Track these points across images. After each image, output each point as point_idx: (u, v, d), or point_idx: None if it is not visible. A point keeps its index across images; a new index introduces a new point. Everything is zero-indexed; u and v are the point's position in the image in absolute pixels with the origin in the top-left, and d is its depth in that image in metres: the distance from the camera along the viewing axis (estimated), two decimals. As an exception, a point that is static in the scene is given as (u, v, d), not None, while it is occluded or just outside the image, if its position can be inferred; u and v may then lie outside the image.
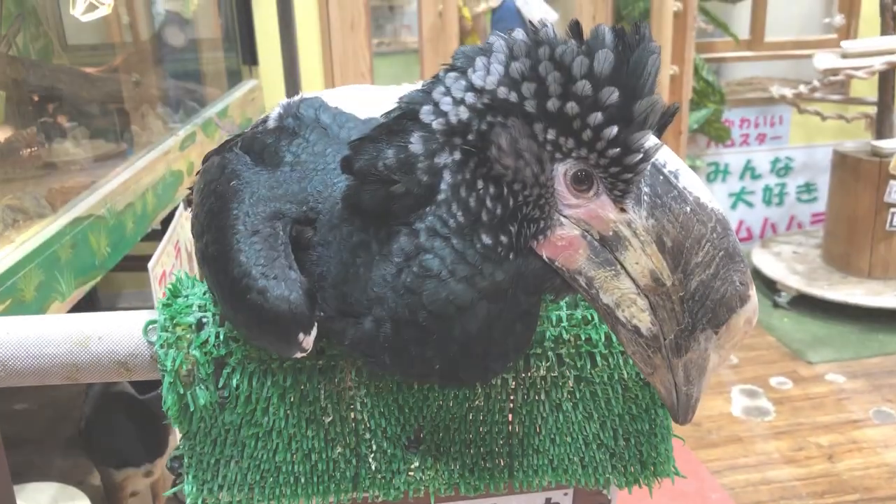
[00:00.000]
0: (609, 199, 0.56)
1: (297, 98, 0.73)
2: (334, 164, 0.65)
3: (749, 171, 4.46)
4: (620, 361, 0.72)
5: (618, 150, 0.53)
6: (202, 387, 0.68)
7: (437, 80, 0.58)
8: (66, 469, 2.31)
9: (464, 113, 0.55)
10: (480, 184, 0.56)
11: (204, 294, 0.70)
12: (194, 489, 0.73)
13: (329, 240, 0.62)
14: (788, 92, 3.81)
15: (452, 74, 0.57)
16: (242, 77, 3.34)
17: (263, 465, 0.72)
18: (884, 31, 3.62)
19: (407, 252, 0.57)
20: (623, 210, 0.56)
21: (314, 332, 0.61)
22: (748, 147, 4.44)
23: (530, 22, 0.56)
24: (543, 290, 0.61)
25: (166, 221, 1.90)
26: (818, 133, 4.44)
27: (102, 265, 1.68)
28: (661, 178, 0.56)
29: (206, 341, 0.67)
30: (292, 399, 0.70)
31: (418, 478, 0.75)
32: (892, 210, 3.58)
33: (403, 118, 0.57)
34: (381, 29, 4.84)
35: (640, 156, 0.54)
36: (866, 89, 4.00)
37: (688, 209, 0.55)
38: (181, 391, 0.68)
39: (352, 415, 0.72)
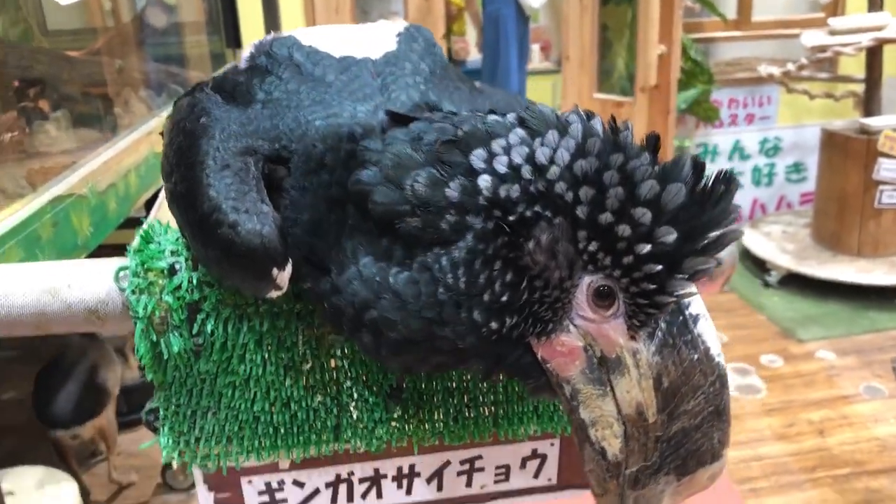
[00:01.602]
0: (624, 324, 0.53)
1: (269, 37, 0.70)
2: (308, 101, 0.63)
3: (738, 151, 4.46)
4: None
5: (653, 287, 0.51)
6: (175, 334, 0.66)
7: (501, 124, 0.53)
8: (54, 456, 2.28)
9: (515, 192, 0.51)
10: (499, 265, 0.52)
11: (176, 240, 0.68)
12: (170, 441, 0.71)
13: (304, 185, 0.59)
14: (776, 71, 3.80)
15: (519, 133, 0.52)
16: (226, 60, 3.31)
17: (241, 416, 0.70)
18: (871, 8, 3.61)
19: (389, 259, 0.54)
20: (633, 338, 0.54)
21: (289, 268, 0.59)
22: (737, 127, 4.44)
23: (612, 119, 0.52)
24: (520, 381, 0.59)
25: (150, 207, 1.88)
26: (807, 113, 4.44)
27: (85, 245, 1.66)
28: (681, 319, 0.54)
29: (179, 286, 0.65)
30: (269, 345, 0.68)
31: (401, 427, 0.73)
32: (881, 187, 3.58)
33: (454, 147, 0.53)
34: (366, 14, 4.80)
35: (673, 300, 0.51)
36: (854, 67, 4.00)
37: (695, 357, 0.54)
38: (154, 339, 0.66)
39: (332, 362, 0.70)
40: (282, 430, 0.71)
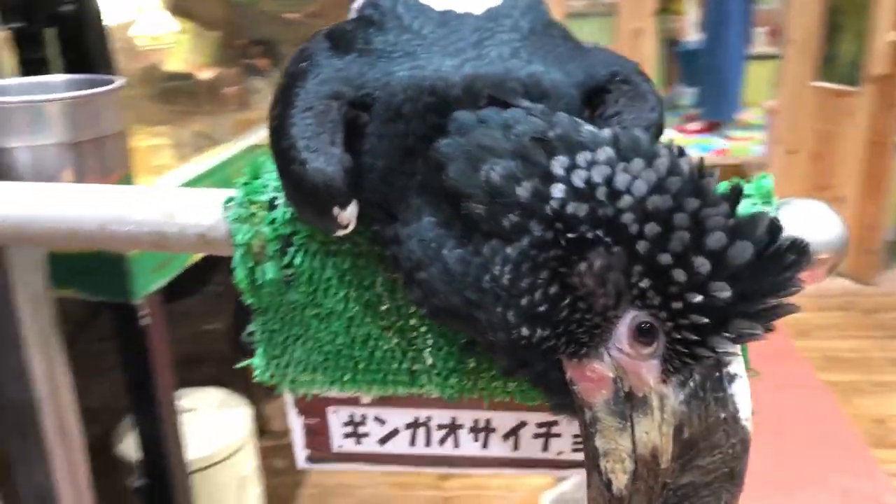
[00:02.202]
0: (658, 366, 0.53)
1: (377, -12, 0.73)
2: (400, 52, 0.66)
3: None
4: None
5: (695, 338, 0.50)
6: (270, 263, 0.72)
7: (593, 137, 0.53)
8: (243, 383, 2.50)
9: (583, 210, 0.51)
10: (545, 275, 0.52)
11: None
12: (263, 363, 0.77)
13: (382, 133, 0.62)
14: None
15: (608, 152, 0.52)
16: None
17: (325, 347, 0.75)
18: None
19: (449, 228, 0.57)
20: (664, 382, 0.53)
21: (351, 209, 0.62)
22: None
23: (701, 161, 0.52)
24: (544, 394, 0.60)
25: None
26: None
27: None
28: (717, 375, 0.52)
29: (275, 220, 0.71)
30: (350, 283, 0.72)
31: (474, 380, 0.75)
32: None
33: (540, 147, 0.53)
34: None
35: (713, 355, 0.51)
36: None
37: (722, 416, 0.53)
38: (250, 266, 0.72)
39: (409, 308, 0.73)
40: (361, 366, 0.75)
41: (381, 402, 0.80)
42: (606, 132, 0.54)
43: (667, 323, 0.50)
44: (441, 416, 0.81)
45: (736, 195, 0.50)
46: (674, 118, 6.48)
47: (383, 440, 0.83)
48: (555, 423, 0.79)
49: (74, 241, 0.76)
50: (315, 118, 0.62)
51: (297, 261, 0.71)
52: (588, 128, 0.55)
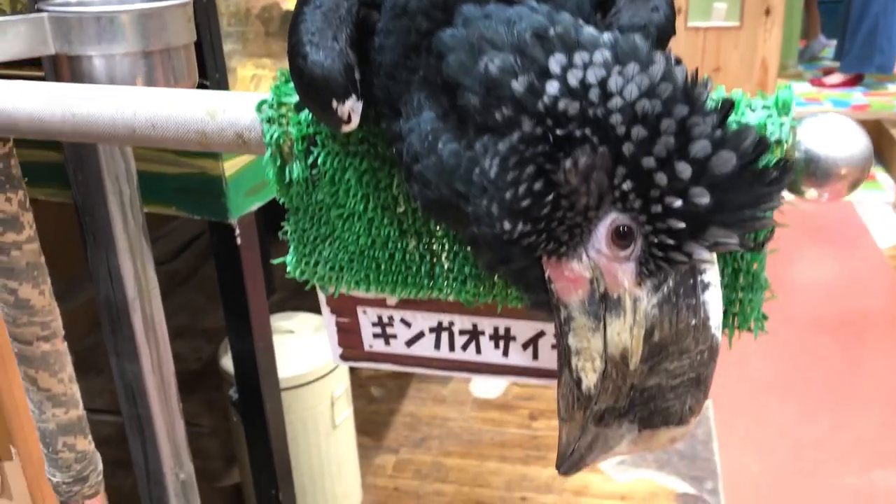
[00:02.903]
0: (634, 269, 0.53)
1: None
2: None
3: None
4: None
5: (671, 243, 0.51)
6: (297, 163, 0.75)
7: (593, 39, 0.53)
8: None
9: (573, 109, 0.51)
10: (531, 170, 0.53)
11: (310, 80, 0.77)
12: (294, 260, 0.82)
13: (390, 29, 0.64)
14: None
15: (605, 55, 0.52)
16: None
17: (350, 248, 0.79)
18: None
19: (446, 121, 0.58)
20: (639, 285, 0.54)
21: (349, 103, 0.64)
22: None
23: (696, 72, 0.52)
24: (522, 291, 0.61)
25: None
26: None
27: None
28: (690, 282, 0.53)
29: (301, 121, 0.74)
30: (368, 183, 0.75)
31: (489, 285, 0.77)
32: None
33: (540, 44, 0.53)
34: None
35: (686, 261, 0.51)
36: None
37: (692, 322, 0.54)
38: (279, 163, 0.76)
39: (426, 211, 0.75)
40: (382, 267, 0.79)
41: (406, 304, 0.84)
42: (607, 35, 0.54)
43: (645, 226, 0.51)
44: (462, 321, 0.83)
45: (727, 108, 0.51)
46: (812, 71, 6.13)
47: (410, 342, 0.87)
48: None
49: (131, 138, 0.82)
50: (323, 15, 0.65)
51: (321, 160, 0.75)
52: (589, 29, 0.55)
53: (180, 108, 0.80)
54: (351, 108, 0.65)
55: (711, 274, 0.54)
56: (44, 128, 0.84)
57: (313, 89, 0.64)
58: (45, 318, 0.99)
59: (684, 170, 0.49)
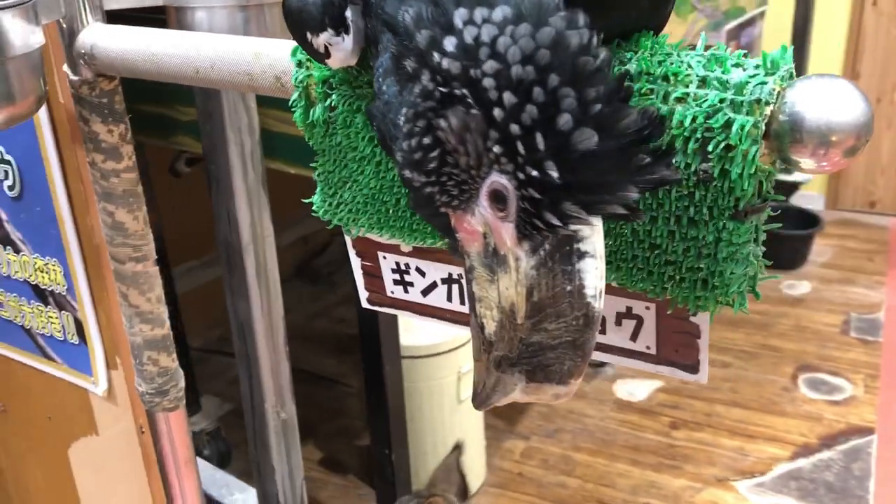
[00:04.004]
0: (513, 229, 0.54)
1: None
2: None
3: None
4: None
5: (532, 210, 0.51)
6: (319, 105, 0.80)
7: None
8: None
9: (457, 68, 0.51)
10: (422, 124, 0.54)
11: (338, 28, 0.81)
12: (319, 201, 0.87)
13: None
14: None
15: (506, 12, 0.51)
16: None
17: (364, 191, 0.82)
18: None
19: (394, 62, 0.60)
20: (518, 245, 0.54)
21: (325, 36, 0.67)
22: None
23: (591, 40, 0.49)
24: (442, 235, 0.62)
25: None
26: None
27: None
28: (567, 249, 0.53)
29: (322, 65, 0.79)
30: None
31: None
32: None
33: None
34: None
35: (547, 229, 0.51)
36: None
37: (567, 288, 0.54)
38: (304, 105, 0.81)
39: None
40: (391, 212, 0.82)
41: (419, 253, 0.86)
42: None
43: (520, 190, 0.52)
44: (470, 275, 0.84)
45: (620, 81, 0.49)
46: None
47: (425, 292, 0.89)
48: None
49: (195, 77, 0.91)
50: None
51: (335, 103, 0.79)
52: None
53: (233, 51, 0.87)
54: (327, 42, 0.68)
55: (590, 244, 0.53)
56: (134, 66, 0.96)
57: (290, 21, 0.69)
58: (138, 241, 1.11)
59: (540, 141, 0.48)
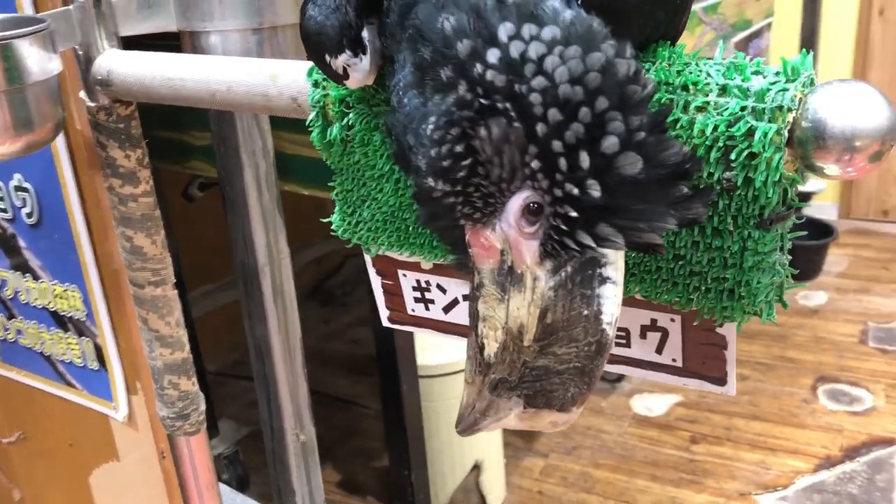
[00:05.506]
0: (538, 247, 0.54)
1: None
2: None
3: None
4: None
5: (566, 228, 0.51)
6: (336, 125, 0.80)
7: (551, 13, 0.53)
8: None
9: (502, 81, 0.52)
10: (455, 132, 0.54)
11: (354, 48, 0.81)
12: (339, 220, 0.87)
13: None
14: None
15: (554, 32, 0.51)
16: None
17: (383, 209, 0.82)
18: None
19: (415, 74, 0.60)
20: (539, 265, 0.54)
21: (343, 58, 0.67)
22: None
23: (639, 66, 0.51)
24: (448, 250, 0.62)
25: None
26: None
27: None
28: (588, 273, 0.53)
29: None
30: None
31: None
32: None
33: (497, 10, 0.53)
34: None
35: (578, 249, 0.52)
36: None
37: (584, 313, 0.54)
38: (321, 125, 0.81)
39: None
40: (410, 230, 0.82)
41: (440, 270, 0.86)
42: (569, 13, 0.53)
43: (549, 207, 0.52)
44: (491, 291, 0.84)
45: (663, 113, 0.50)
46: None
47: (446, 309, 0.89)
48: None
49: (212, 101, 0.91)
50: None
51: (353, 122, 0.79)
52: (555, 3, 0.54)
53: (248, 74, 0.88)
54: (345, 64, 0.68)
55: (613, 270, 0.53)
56: (150, 91, 0.96)
57: (308, 44, 0.69)
58: (157, 265, 1.11)
59: (585, 160, 0.49)
